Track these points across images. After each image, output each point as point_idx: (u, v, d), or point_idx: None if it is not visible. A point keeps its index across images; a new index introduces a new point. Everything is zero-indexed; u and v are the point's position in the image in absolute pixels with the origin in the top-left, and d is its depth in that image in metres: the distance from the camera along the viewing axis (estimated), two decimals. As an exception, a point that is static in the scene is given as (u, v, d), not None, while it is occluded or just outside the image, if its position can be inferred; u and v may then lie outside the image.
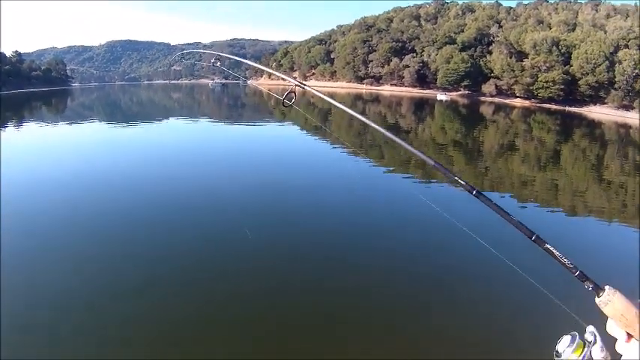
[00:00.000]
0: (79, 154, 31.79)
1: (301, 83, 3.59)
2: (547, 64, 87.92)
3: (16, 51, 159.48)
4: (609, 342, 1.96)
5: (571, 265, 2.18)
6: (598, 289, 2.08)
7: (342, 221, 16.65)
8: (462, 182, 2.53)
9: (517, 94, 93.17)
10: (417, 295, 10.92)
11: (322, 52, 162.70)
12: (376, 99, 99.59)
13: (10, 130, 52.13)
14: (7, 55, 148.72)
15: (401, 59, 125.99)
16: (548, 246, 2.26)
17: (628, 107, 78.86)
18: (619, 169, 31.57)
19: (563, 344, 2.00)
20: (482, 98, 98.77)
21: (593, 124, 60.57)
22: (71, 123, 59.21)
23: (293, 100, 3.83)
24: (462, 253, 13.11)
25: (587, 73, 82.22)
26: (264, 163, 29.52)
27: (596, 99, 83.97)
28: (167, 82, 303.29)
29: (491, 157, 34.45)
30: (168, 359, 8.11)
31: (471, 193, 2.50)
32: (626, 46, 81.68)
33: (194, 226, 15.72)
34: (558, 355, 2.00)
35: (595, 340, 1.98)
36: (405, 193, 22.58)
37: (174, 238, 14.56)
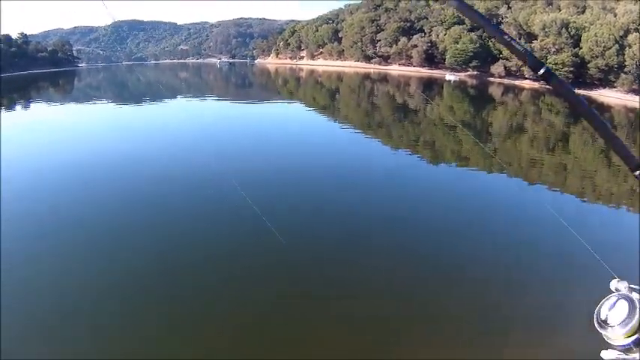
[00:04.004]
0: (94, 137, 32.11)
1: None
2: (556, 46, 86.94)
3: (22, 33, 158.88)
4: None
5: None
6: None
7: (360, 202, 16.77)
8: None
9: (526, 76, 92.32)
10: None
11: (330, 32, 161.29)
12: (384, 78, 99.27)
13: (18, 110, 52.55)
14: (12, 37, 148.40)
15: (409, 39, 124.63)
16: None
17: (638, 91, 78.12)
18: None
19: (619, 314, 1.65)
20: (491, 79, 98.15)
21: (602, 108, 60.01)
22: (79, 103, 59.66)
23: None
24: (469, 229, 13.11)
25: (597, 56, 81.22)
26: (276, 141, 29.81)
27: (606, 82, 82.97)
28: (174, 61, 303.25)
29: (500, 138, 34.37)
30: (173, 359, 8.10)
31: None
32: (636, 30, 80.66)
33: (209, 208, 15.87)
34: (603, 325, 1.67)
35: None
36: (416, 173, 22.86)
37: (186, 222, 14.70)
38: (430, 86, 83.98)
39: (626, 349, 1.63)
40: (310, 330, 9.11)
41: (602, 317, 1.70)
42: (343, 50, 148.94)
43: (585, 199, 19.69)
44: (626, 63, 78.43)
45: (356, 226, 14.38)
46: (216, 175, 18.55)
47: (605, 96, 74.64)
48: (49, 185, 19.33)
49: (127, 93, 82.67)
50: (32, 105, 58.90)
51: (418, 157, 26.94)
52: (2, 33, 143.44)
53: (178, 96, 70.67)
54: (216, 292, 10.43)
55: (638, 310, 1.65)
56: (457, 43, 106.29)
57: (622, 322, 1.64)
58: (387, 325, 9.06)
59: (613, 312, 1.67)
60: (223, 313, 9.59)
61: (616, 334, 1.62)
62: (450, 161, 26.20)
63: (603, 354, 1.66)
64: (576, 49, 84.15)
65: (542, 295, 10.30)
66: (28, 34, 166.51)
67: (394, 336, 8.80)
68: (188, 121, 37.91)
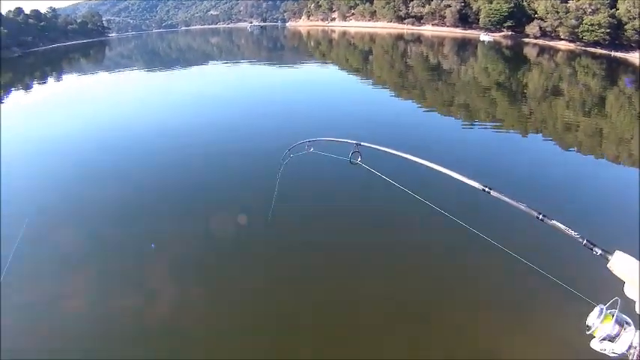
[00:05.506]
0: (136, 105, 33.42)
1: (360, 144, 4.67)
2: (592, 7, 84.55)
3: (51, 7, 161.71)
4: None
5: (577, 235, 2.58)
6: (607, 254, 2.42)
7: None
8: (474, 184, 3.25)
9: (562, 37, 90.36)
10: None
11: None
12: (418, 39, 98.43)
13: (51, 82, 54.01)
14: (42, 12, 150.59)
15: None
16: (555, 222, 2.70)
17: (675, 56, 76.15)
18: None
19: (592, 317, 2.31)
20: (526, 40, 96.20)
21: (639, 71, 58.96)
22: (111, 72, 60.82)
23: (359, 159, 4.71)
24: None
25: (634, 18, 78.74)
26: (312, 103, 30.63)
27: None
28: (205, 26, 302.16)
29: (535, 100, 34.37)
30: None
31: (484, 191, 3.18)
32: (675, -9, 78.56)
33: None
34: (589, 328, 2.32)
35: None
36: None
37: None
38: (464, 47, 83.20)
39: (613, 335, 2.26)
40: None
41: (587, 324, 2.32)
42: (375, 11, 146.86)
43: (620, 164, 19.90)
44: (664, 25, 76.42)
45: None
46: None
47: (642, 59, 72.89)
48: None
49: (158, 60, 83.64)
50: (64, 76, 60.50)
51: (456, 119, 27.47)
52: (32, 9, 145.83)
53: (210, 61, 71.65)
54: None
55: (605, 307, 2.31)
56: (491, 2, 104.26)
57: (597, 315, 2.29)
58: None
59: (590, 317, 2.32)
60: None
61: (597, 324, 2.28)
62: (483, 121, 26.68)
63: (592, 344, 2.34)
64: (613, 10, 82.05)
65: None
66: (56, 7, 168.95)
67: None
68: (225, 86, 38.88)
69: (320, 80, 44.85)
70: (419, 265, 10.71)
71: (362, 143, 4.66)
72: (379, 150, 4.35)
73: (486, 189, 3.17)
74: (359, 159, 4.70)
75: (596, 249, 2.48)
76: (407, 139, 20.61)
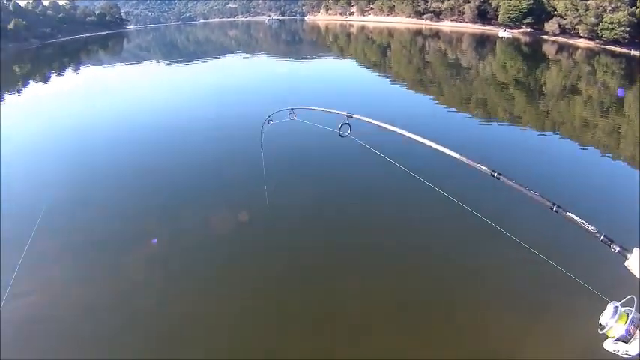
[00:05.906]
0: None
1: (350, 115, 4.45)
2: (612, 5, 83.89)
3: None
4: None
5: (595, 230, 2.48)
6: (625, 252, 2.34)
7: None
8: (482, 168, 3.17)
9: (581, 35, 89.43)
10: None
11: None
12: (436, 35, 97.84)
13: (69, 73, 54.52)
14: (60, 4, 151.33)
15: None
16: (570, 214, 2.59)
17: (696, 53, 75.05)
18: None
19: (606, 316, 2.23)
20: (545, 37, 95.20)
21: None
22: (128, 64, 61.32)
23: (349, 132, 4.55)
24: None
25: (655, 17, 78.46)
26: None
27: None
28: (224, 19, 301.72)
29: (553, 98, 34.25)
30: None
31: (492, 176, 3.09)
32: (696, -12, 77.37)
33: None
34: (602, 327, 2.24)
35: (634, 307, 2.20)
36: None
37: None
38: (483, 43, 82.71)
39: (627, 336, 2.19)
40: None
41: (600, 323, 2.27)
42: (394, 6, 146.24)
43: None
44: (685, 25, 75.48)
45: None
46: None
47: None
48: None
49: (176, 52, 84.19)
50: (83, 68, 61.13)
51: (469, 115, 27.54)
52: (50, 0, 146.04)
53: (228, 54, 72.01)
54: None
55: (619, 304, 2.27)
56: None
57: (611, 314, 2.23)
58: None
59: (603, 316, 2.27)
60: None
61: (611, 324, 2.21)
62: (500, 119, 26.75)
63: (605, 344, 2.27)
64: (633, 9, 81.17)
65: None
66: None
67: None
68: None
69: (336, 74, 45.10)
70: (418, 264, 10.77)
71: (353, 115, 4.49)
72: (373, 124, 4.19)
73: (495, 174, 3.07)
74: (348, 131, 4.54)
75: (614, 245, 2.41)
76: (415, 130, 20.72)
